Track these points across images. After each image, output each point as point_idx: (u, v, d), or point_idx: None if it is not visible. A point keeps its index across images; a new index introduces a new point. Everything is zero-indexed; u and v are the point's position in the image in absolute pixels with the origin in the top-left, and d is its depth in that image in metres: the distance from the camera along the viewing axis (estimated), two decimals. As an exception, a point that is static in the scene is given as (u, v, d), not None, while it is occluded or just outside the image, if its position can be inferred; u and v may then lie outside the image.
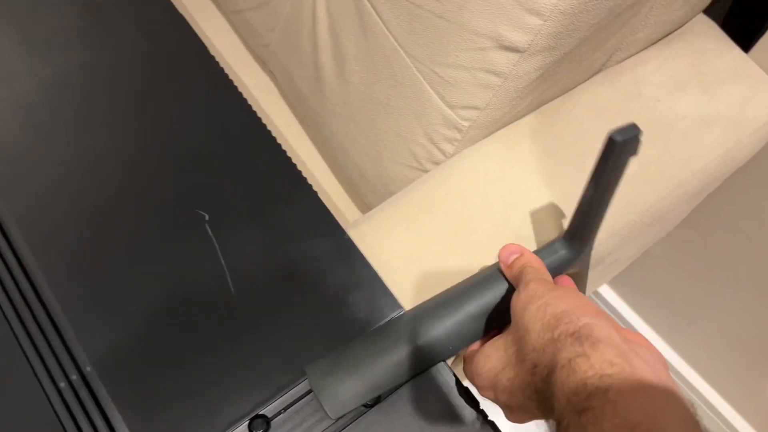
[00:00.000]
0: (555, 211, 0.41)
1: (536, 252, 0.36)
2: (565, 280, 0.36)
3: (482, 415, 0.35)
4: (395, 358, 0.34)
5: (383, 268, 0.39)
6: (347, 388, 0.33)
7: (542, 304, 0.29)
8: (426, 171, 0.47)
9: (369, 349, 0.34)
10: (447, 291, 0.36)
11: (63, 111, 0.42)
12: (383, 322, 0.36)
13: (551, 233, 0.40)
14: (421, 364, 0.34)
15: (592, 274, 0.43)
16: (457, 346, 0.34)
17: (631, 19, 0.42)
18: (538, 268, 0.33)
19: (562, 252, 0.37)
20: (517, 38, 0.38)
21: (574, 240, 0.36)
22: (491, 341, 0.32)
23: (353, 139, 0.53)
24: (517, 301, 0.31)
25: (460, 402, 0.35)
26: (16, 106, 0.42)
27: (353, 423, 0.34)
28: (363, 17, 0.47)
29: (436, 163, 0.46)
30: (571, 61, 0.41)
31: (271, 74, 0.66)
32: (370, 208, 0.55)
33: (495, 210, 0.41)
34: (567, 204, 0.42)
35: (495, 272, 0.35)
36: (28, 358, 0.35)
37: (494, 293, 0.34)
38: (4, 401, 0.34)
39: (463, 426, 0.34)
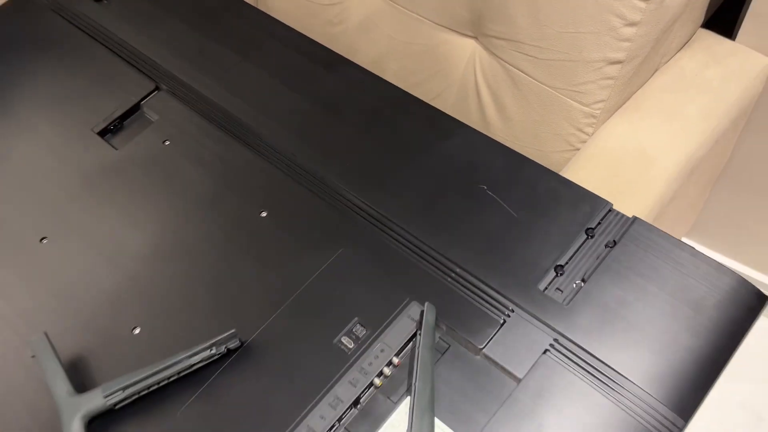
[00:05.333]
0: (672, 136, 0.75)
1: None
2: None
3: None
4: None
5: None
6: None
7: None
8: (577, 149, 0.81)
9: None
10: None
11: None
12: (602, 212, 0.67)
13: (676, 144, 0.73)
14: None
15: (670, 223, 0.75)
16: None
17: (673, 30, 0.77)
18: None
19: None
20: (619, 56, 0.73)
21: None
22: None
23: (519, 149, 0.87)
24: None
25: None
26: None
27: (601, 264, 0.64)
28: (515, 79, 0.83)
29: (583, 142, 0.80)
30: (647, 64, 0.76)
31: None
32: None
33: (640, 150, 0.74)
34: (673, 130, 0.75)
35: None
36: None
37: None
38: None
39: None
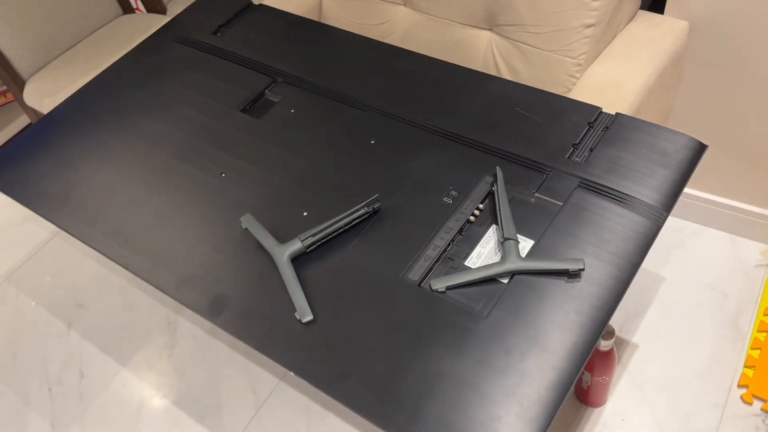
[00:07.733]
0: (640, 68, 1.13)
1: None
2: None
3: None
4: None
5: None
6: None
7: None
8: (569, 90, 1.19)
9: None
10: None
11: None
12: (596, 112, 1.04)
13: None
14: None
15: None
16: None
17: (623, 5, 1.17)
18: None
19: None
20: (592, 21, 1.12)
21: None
22: None
23: (532, 101, 1.25)
24: None
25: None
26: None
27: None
28: (523, 51, 1.22)
29: (574, 84, 1.18)
30: (609, 28, 1.16)
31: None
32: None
33: (613, 79, 1.13)
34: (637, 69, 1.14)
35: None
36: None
37: None
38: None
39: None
